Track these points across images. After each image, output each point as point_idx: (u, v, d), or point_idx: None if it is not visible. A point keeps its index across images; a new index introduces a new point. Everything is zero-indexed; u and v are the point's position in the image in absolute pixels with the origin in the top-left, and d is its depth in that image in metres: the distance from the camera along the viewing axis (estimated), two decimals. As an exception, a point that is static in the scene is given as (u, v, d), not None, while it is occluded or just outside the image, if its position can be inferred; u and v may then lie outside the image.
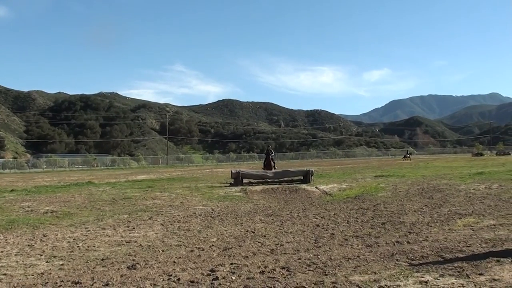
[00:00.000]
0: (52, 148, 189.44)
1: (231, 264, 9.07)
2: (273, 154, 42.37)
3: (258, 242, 11.47)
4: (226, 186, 29.20)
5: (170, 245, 11.58)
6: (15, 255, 11.05)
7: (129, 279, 8.25)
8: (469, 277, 7.43)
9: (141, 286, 7.76)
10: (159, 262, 9.54)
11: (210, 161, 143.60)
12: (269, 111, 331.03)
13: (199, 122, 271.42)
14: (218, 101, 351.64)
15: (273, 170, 34.70)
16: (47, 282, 8.31)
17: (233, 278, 8.00)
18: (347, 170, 46.38)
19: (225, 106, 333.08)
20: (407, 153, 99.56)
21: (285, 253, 9.90)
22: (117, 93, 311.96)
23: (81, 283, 8.11)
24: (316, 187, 26.42)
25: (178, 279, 8.09)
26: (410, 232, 11.89)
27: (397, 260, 8.84)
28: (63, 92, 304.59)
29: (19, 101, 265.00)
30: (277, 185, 28.07)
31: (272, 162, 40.50)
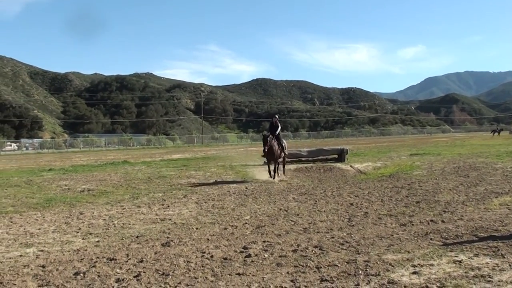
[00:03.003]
0: (89, 128, 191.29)
1: (264, 242, 9.11)
2: (279, 128, 23.09)
3: (291, 220, 11.50)
4: (260, 165, 29.24)
5: (204, 223, 11.67)
6: (52, 232, 11.27)
7: (163, 256, 8.35)
8: (504, 257, 7.36)
9: (174, 263, 7.85)
10: (193, 240, 9.64)
11: (245, 140, 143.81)
12: (303, 89, 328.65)
13: (233, 102, 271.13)
14: (252, 80, 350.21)
15: (284, 153, 23.17)
16: (83, 258, 8.45)
17: (266, 255, 8.04)
18: (382, 148, 46.07)
19: (259, 85, 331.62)
20: (497, 129, 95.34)
21: (318, 232, 9.91)
22: (152, 73, 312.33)
23: (116, 259, 8.24)
24: (351, 166, 26.33)
25: (212, 256, 8.17)
26: (445, 211, 11.80)
27: (431, 239, 8.79)
28: (99, 73, 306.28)
29: (56, 83, 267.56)
30: (311, 164, 28.03)
31: (280, 144, 22.73)
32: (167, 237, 10.03)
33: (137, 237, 10.30)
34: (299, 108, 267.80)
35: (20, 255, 8.98)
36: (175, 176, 23.75)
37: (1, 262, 8.46)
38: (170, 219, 12.37)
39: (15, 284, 7.03)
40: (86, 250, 9.22)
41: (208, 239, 9.65)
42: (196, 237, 9.96)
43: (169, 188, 19.54)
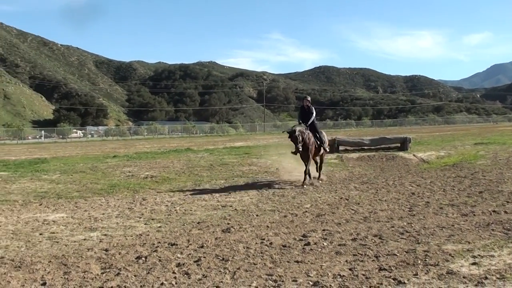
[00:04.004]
0: (152, 116, 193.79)
1: (323, 230, 9.13)
2: (314, 115, 17.88)
3: (352, 209, 11.48)
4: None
5: (264, 210, 11.76)
6: (116, 217, 11.55)
7: (223, 242, 8.47)
8: None
9: (234, 248, 7.96)
10: (253, 226, 9.74)
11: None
12: (367, 77, 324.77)
13: (295, 90, 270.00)
14: (315, 68, 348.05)
15: (324, 149, 18.19)
16: (145, 243, 8.65)
17: (325, 244, 8.07)
18: (446, 137, 45.30)
19: (322, 73, 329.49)
20: None
21: (378, 221, 9.88)
22: (215, 62, 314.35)
23: (177, 244, 8.40)
24: (414, 155, 26.01)
25: (271, 243, 8.24)
26: (508, 202, 11.56)
27: (492, 230, 8.65)
28: (163, 62, 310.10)
29: (121, 71, 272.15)
30: (373, 153, 27.81)
31: (316, 136, 17.65)
32: (228, 223, 10.17)
33: (198, 223, 10.46)
34: (362, 96, 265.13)
35: (84, 239, 9.26)
36: (237, 163, 23.93)
37: (66, 245, 8.74)
38: (231, 206, 12.50)
39: (79, 267, 7.26)
40: (148, 235, 9.43)
41: (267, 226, 9.73)
42: (256, 224, 10.07)
43: (231, 175, 19.72)
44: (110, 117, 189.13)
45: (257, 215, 11.11)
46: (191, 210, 12.10)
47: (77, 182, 18.57)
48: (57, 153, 40.25)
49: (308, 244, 8.09)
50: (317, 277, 6.36)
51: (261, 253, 7.68)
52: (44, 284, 6.55)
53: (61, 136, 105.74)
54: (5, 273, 7.08)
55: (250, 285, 6.13)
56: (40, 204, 13.87)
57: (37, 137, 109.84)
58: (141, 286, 6.30)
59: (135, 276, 6.71)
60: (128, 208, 12.75)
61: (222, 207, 12.43)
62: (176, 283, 6.33)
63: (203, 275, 6.64)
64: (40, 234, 9.89)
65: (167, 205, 13.06)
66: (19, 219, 11.67)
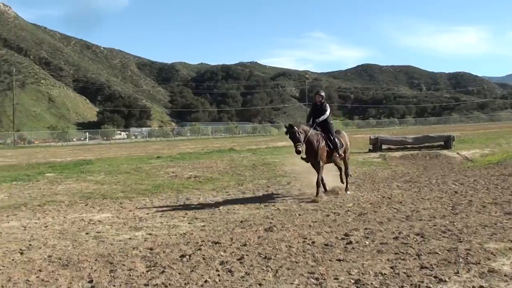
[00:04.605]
0: (195, 117, 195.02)
1: (366, 229, 9.15)
2: (327, 113, 14.55)
3: (394, 208, 11.46)
4: (365, 152, 29.07)
5: (307, 209, 11.81)
6: (160, 217, 11.74)
7: (266, 240, 8.56)
8: None
9: (277, 247, 8.04)
10: (295, 225, 9.81)
11: (350, 127, 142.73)
12: (410, 74, 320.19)
13: (338, 88, 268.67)
14: (357, 66, 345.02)
15: (339, 153, 14.48)
16: (189, 242, 8.79)
17: (367, 242, 8.10)
18: (491, 135, 44.66)
19: (364, 71, 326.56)
20: None
21: (420, 220, 9.85)
22: (256, 62, 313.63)
23: (220, 243, 8.52)
24: (457, 153, 25.75)
25: (313, 242, 8.30)
26: (553, 200, 11.43)
27: (536, 228, 8.58)
28: (205, 63, 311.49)
29: (163, 73, 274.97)
30: (416, 151, 27.60)
31: (329, 137, 14.36)
32: (270, 223, 10.25)
33: (241, 222, 10.59)
34: (405, 94, 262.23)
35: (130, 238, 9.45)
36: (280, 163, 23.96)
37: (112, 244, 8.93)
38: (273, 205, 12.58)
39: (124, 265, 7.43)
40: (192, 234, 9.58)
41: (310, 225, 9.79)
42: (298, 223, 10.13)
43: (273, 175, 19.79)
44: (153, 119, 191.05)
45: (299, 214, 11.18)
46: (234, 209, 12.22)
47: (122, 182, 18.86)
48: (101, 155, 40.87)
49: (350, 242, 8.13)
50: (359, 275, 6.40)
51: (303, 251, 7.75)
52: (91, 281, 6.72)
53: (105, 138, 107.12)
54: (53, 271, 7.29)
55: (292, 283, 6.21)
56: (86, 205, 14.16)
57: (82, 139, 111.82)
58: (185, 283, 6.42)
59: (179, 274, 6.84)
60: (173, 208, 12.94)
61: (264, 206, 12.52)
62: (219, 281, 6.44)
63: (246, 272, 6.74)
64: (86, 233, 10.12)
65: (210, 205, 13.21)
66: (66, 219, 11.95)
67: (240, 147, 42.85)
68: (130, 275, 6.91)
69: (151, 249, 8.41)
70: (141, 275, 6.91)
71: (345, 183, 14.95)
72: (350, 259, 7.16)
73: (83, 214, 12.66)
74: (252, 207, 12.41)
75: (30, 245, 9.20)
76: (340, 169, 15.18)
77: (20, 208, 13.83)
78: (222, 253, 7.86)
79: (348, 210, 11.47)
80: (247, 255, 7.60)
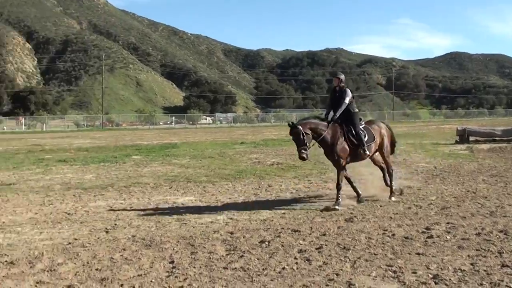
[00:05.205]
0: (280, 103, 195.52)
1: (448, 223, 9.01)
2: (346, 100, 11.72)
3: (478, 203, 11.19)
4: (451, 144, 28.51)
5: (388, 201, 11.69)
6: (241, 202, 11.89)
7: (345, 231, 8.56)
8: None
9: (356, 238, 8.03)
10: (376, 217, 9.76)
11: (437, 117, 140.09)
12: (500, 63, 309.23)
13: (426, 77, 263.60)
14: (446, 54, 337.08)
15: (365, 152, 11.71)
16: (269, 228, 8.90)
17: (448, 237, 7.97)
18: None
19: (453, 59, 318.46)
20: None
21: (505, 216, 9.60)
22: (342, 48, 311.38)
23: (300, 231, 8.57)
24: (549, 147, 24.89)
25: (393, 234, 8.24)
26: None
27: None
28: (290, 49, 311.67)
29: (249, 59, 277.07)
30: (505, 144, 26.84)
31: (350, 131, 11.57)
32: (351, 213, 10.24)
33: (321, 211, 10.58)
34: (495, 84, 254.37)
35: (211, 222, 9.64)
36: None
37: (194, 227, 9.14)
38: (355, 196, 12.50)
39: (205, 247, 7.61)
40: (272, 220, 9.68)
41: (391, 217, 9.71)
42: (379, 214, 10.08)
43: (357, 164, 19.58)
44: (238, 104, 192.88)
45: (380, 206, 11.09)
46: (315, 198, 12.23)
47: (206, 167, 19.19)
48: (187, 139, 41.67)
49: (430, 236, 8.03)
50: (437, 270, 6.32)
51: (383, 243, 7.71)
52: (172, 262, 6.91)
53: (191, 122, 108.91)
54: (136, 251, 7.55)
55: (369, 275, 6.19)
56: (170, 187, 14.51)
57: (168, 122, 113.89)
58: (263, 269, 6.51)
59: (258, 259, 6.95)
60: (254, 194, 13.11)
61: (346, 196, 12.45)
62: (297, 268, 6.50)
63: (324, 262, 6.77)
64: (170, 215, 10.38)
65: (291, 192, 13.30)
66: (150, 201, 12.29)
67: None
68: (210, 258, 7.06)
69: (231, 233, 8.57)
70: (220, 258, 7.06)
71: (390, 188, 12.40)
72: (430, 254, 7.08)
73: (167, 196, 12.99)
74: (334, 197, 12.34)
75: (116, 224, 9.56)
76: (382, 169, 12.90)
77: (107, 189, 14.35)
78: (301, 241, 7.92)
79: (431, 203, 11.27)
80: (325, 245, 7.62)
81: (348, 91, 11.95)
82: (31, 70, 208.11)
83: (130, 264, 6.88)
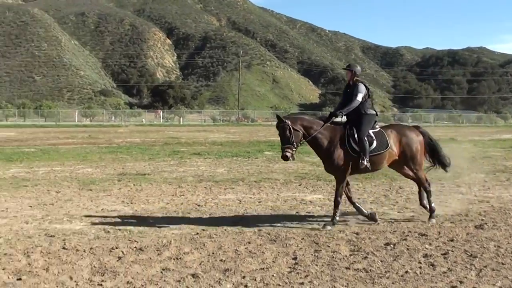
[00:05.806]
0: (418, 103, 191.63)
1: None
2: (358, 97, 9.66)
3: None
4: None
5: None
6: (370, 203, 11.89)
7: (474, 238, 8.31)
8: None
9: (484, 246, 7.78)
10: (508, 225, 9.38)
11: None
12: None
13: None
14: None
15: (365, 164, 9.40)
16: (395, 231, 8.89)
17: None
18: None
19: None
20: None
21: None
22: (485, 47, 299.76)
23: (427, 235, 8.44)
24: None
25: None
26: None
27: None
28: (430, 48, 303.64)
29: (387, 57, 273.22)
30: None
31: (350, 134, 9.58)
32: (482, 220, 9.90)
33: (451, 215, 10.31)
34: None
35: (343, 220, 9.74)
36: (501, 157, 22.92)
37: (319, 225, 9.21)
38: (488, 202, 12.06)
39: (329, 246, 7.70)
40: (399, 223, 9.60)
41: (525, 226, 9.34)
42: (511, 223, 9.69)
43: (492, 169, 18.88)
44: (375, 103, 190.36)
45: (513, 214, 10.65)
46: (446, 203, 11.90)
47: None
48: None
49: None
50: None
51: (512, 253, 7.45)
52: (295, 258, 7.03)
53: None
54: (260, 244, 7.76)
55: (494, 284, 6.01)
56: (300, 185, 14.65)
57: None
58: (385, 271, 6.48)
59: (381, 261, 6.92)
60: (384, 195, 12.97)
61: (478, 202, 12.06)
62: (420, 273, 6.41)
63: (448, 268, 6.64)
64: (297, 212, 10.54)
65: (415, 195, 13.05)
66: (279, 197, 12.50)
67: (461, 137, 41.50)
68: (333, 257, 7.12)
69: (357, 233, 8.58)
70: (343, 258, 7.09)
71: (429, 205, 10.14)
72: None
73: (296, 193, 13.15)
74: (465, 202, 11.99)
75: (243, 218, 9.81)
76: (419, 186, 10.58)
77: (238, 183, 14.74)
78: (427, 245, 7.79)
79: None
80: (452, 251, 7.45)
81: (362, 86, 9.88)
82: (170, 65, 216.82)
83: (253, 257, 7.07)
